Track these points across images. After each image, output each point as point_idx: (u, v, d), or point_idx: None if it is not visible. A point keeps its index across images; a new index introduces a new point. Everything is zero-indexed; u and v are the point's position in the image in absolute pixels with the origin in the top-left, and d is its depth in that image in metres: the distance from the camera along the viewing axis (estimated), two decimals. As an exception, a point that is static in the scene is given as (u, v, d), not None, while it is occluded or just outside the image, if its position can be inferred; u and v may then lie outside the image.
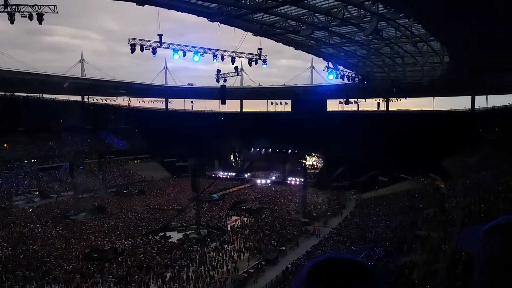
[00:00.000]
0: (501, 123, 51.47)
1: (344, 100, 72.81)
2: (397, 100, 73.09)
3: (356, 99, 78.00)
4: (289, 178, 66.91)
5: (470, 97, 69.23)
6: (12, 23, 24.60)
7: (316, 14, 24.52)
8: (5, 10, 23.94)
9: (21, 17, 24.77)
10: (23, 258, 29.76)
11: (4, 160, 58.63)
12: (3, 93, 70.09)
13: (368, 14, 22.40)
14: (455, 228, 26.73)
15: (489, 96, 66.65)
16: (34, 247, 32.60)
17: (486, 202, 27.77)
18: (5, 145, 61.37)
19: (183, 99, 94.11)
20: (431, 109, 74.48)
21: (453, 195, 37.37)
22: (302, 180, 53.14)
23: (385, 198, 50.52)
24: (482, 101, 68.42)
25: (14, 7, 24.27)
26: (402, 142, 59.04)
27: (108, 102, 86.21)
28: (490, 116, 59.06)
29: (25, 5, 24.78)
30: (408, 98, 71.86)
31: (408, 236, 32.21)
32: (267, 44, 33.32)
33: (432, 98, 73.53)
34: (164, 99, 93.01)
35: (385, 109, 78.66)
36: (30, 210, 46.42)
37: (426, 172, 53.62)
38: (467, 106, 70.55)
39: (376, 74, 44.96)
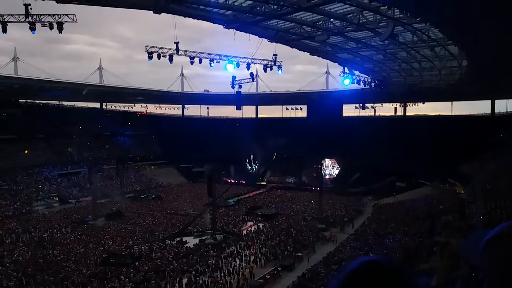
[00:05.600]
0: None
1: (361, 105, 72.28)
2: (415, 104, 72.18)
3: (372, 104, 77.35)
4: (305, 184, 66.62)
5: (490, 101, 68.01)
6: (33, 32, 25.26)
7: (331, 20, 24.52)
8: (27, 19, 24.58)
9: (42, 26, 25.38)
10: (42, 262, 30.29)
11: (25, 165, 59.86)
12: (24, 100, 71.84)
13: (384, 19, 22.29)
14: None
15: (509, 100, 65.38)
16: (54, 251, 33.15)
17: (507, 208, 27.16)
18: (26, 151, 62.68)
19: (199, 105, 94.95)
20: (450, 113, 73.42)
21: (472, 201, 36.66)
22: (319, 185, 52.84)
23: (403, 204, 49.80)
24: (503, 105, 67.19)
25: (35, 16, 24.90)
26: (420, 147, 58.31)
27: (126, 109, 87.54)
28: (511, 120, 57.83)
29: (46, 14, 25.38)
30: (425, 103, 70.92)
31: (426, 242, 31.68)
32: (282, 50, 33.43)
33: (450, 102, 72.49)
34: (180, 106, 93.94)
35: (403, 114, 77.76)
36: (48, 214, 47.23)
37: (445, 177, 52.73)
38: (487, 110, 69.31)
39: (393, 78, 44.56)
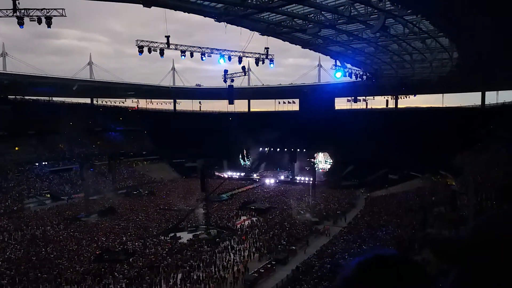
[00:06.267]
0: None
1: (353, 98, 72.47)
2: (406, 97, 72.58)
3: (364, 97, 77.60)
4: (298, 177, 66.87)
5: (480, 93, 68.50)
6: (21, 27, 24.90)
7: (323, 12, 24.47)
8: (14, 14, 24.20)
9: (30, 21, 25.03)
10: (35, 260, 30.04)
11: (16, 162, 59.26)
12: (14, 96, 70.99)
13: (375, 11, 22.28)
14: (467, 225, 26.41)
15: (499, 91, 65.94)
16: (46, 248, 32.91)
17: (498, 199, 27.43)
18: (16, 148, 62.03)
19: (191, 100, 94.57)
20: (441, 105, 73.96)
21: (464, 192, 37.00)
22: (311, 179, 53.01)
23: (396, 196, 50.16)
24: (493, 97, 67.76)
25: (23, 11, 24.52)
26: (411, 139, 58.64)
27: (117, 104, 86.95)
28: (501, 112, 58.34)
29: (34, 9, 25.02)
30: (417, 95, 71.32)
31: (419, 234, 31.94)
32: (274, 43, 33.35)
33: (441, 94, 72.99)
34: (172, 100, 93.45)
35: (394, 106, 78.18)
36: (40, 211, 46.88)
37: (437, 169, 53.15)
38: (477, 102, 69.89)
39: (384, 71, 44.68)
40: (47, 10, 25.42)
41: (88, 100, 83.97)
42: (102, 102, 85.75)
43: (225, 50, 33.62)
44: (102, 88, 74.88)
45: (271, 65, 35.34)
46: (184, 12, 25.07)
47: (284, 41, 33.07)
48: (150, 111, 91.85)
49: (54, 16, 25.68)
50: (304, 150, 67.95)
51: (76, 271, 27.70)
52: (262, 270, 28.34)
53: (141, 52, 30.64)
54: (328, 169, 70.82)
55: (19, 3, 23.89)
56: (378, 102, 79.92)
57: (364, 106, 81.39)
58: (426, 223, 34.46)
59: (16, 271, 27.65)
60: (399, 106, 78.21)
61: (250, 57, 34.60)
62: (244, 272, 28.16)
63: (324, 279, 24.51)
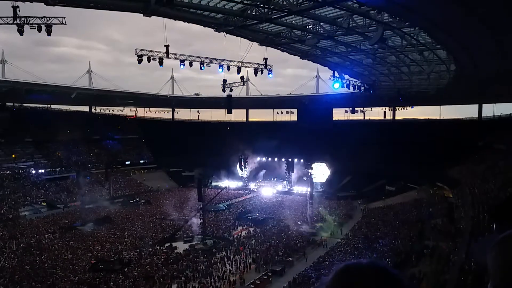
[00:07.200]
0: (509, 131, 51.01)
1: (350, 109, 72.69)
2: (404, 108, 72.90)
3: (362, 108, 77.86)
4: (296, 188, 66.72)
5: (477, 105, 68.86)
6: (21, 34, 24.94)
7: (321, 24, 24.63)
8: (15, 22, 24.25)
9: (30, 29, 25.08)
10: (30, 269, 29.75)
11: (12, 170, 58.95)
12: (12, 104, 70.91)
13: (374, 23, 22.43)
14: (464, 238, 26.37)
15: (496, 104, 66.30)
16: (41, 257, 32.60)
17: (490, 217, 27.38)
18: (13, 155, 61.77)
19: (189, 109, 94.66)
20: (438, 117, 74.26)
21: (461, 205, 36.97)
22: (309, 189, 52.85)
23: (393, 207, 50.05)
24: (490, 109, 68.13)
25: (23, 19, 24.57)
26: (409, 151, 58.72)
27: (115, 112, 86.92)
28: (498, 124, 58.58)
29: (34, 17, 25.06)
30: (414, 107, 71.63)
31: (416, 246, 31.84)
32: (273, 54, 33.53)
33: (438, 106, 73.31)
34: (170, 109, 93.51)
35: (392, 117, 78.43)
36: (36, 219, 46.54)
37: (434, 181, 53.14)
38: (474, 114, 70.21)
39: (382, 82, 44.85)
40: (48, 18, 25.46)
41: (86, 108, 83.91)
42: (100, 110, 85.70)
43: (224, 60, 33.78)
44: (101, 96, 74.82)
45: (270, 75, 35.48)
46: (184, 22, 25.20)
47: (283, 51, 33.27)
48: (148, 119, 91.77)
49: (54, 24, 25.71)
50: (302, 160, 67.88)
51: (70, 280, 27.44)
52: (259, 282, 28.14)
53: (140, 61, 30.67)
54: (326, 180, 70.62)
55: (19, 11, 23.95)
56: (376, 113, 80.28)
57: (362, 117, 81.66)
58: (423, 235, 34.40)
59: (10, 280, 27.37)
60: (396, 117, 78.52)
61: (249, 67, 34.73)
62: (241, 283, 27.94)
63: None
